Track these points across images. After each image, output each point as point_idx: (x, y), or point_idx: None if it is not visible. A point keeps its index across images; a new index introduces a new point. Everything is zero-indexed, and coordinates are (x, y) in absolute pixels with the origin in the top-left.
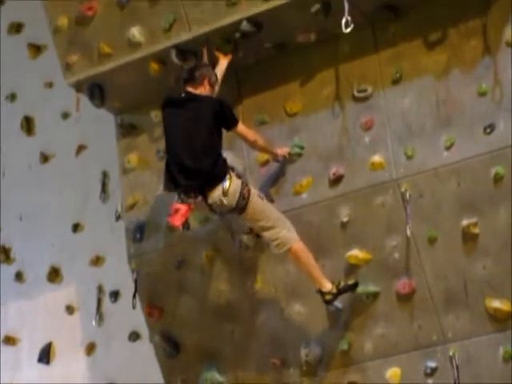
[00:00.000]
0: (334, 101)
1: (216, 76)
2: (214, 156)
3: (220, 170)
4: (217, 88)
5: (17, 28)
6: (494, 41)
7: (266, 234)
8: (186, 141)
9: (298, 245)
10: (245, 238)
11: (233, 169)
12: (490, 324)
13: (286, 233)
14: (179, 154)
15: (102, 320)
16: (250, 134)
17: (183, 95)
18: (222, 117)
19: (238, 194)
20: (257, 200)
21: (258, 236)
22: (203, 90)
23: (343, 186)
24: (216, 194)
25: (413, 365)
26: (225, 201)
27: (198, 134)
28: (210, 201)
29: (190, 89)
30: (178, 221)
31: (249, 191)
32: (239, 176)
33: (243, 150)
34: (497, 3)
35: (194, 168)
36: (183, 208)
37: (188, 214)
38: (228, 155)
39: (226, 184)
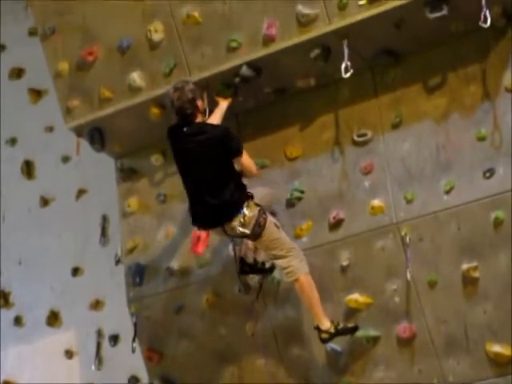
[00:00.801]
0: (333, 145)
1: (198, 89)
2: (232, 186)
3: (239, 200)
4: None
5: (18, 73)
6: (494, 86)
7: (278, 262)
8: (201, 177)
9: (305, 277)
10: (247, 278)
11: (252, 196)
12: (490, 368)
13: (297, 263)
14: (197, 192)
15: (101, 364)
16: (252, 168)
17: (185, 129)
18: (227, 145)
19: (254, 222)
20: (272, 228)
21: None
22: (201, 110)
23: (343, 230)
24: (234, 223)
25: None
26: (240, 229)
27: (211, 167)
28: (226, 227)
29: (189, 122)
30: (201, 248)
31: (265, 219)
32: (257, 204)
33: None
34: (496, 49)
35: (214, 205)
36: (203, 234)
37: (208, 240)
38: (257, 189)
39: (244, 213)
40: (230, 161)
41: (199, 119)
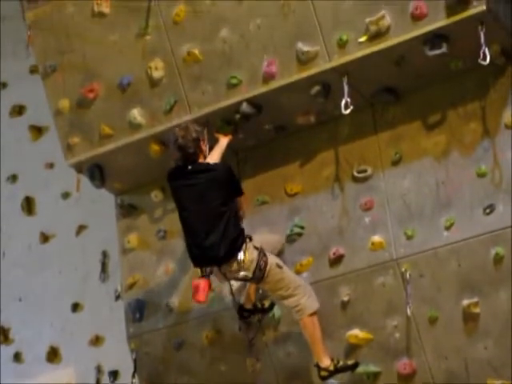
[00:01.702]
0: (333, 181)
1: (199, 129)
2: (231, 228)
3: (236, 243)
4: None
5: (19, 110)
6: (493, 123)
7: (286, 302)
8: (200, 216)
9: (310, 318)
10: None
11: (250, 238)
12: None
13: (304, 301)
14: (196, 231)
15: None
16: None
17: (190, 167)
18: (230, 185)
19: (254, 265)
20: (275, 270)
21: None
22: (204, 153)
23: (343, 266)
24: (231, 266)
25: None
26: (241, 273)
27: (211, 207)
28: (223, 270)
29: (191, 162)
30: (202, 297)
31: (266, 262)
32: (256, 247)
33: None
34: (495, 86)
35: (212, 246)
36: (202, 283)
37: (208, 287)
38: (259, 233)
39: (241, 256)
40: (231, 202)
41: (201, 160)
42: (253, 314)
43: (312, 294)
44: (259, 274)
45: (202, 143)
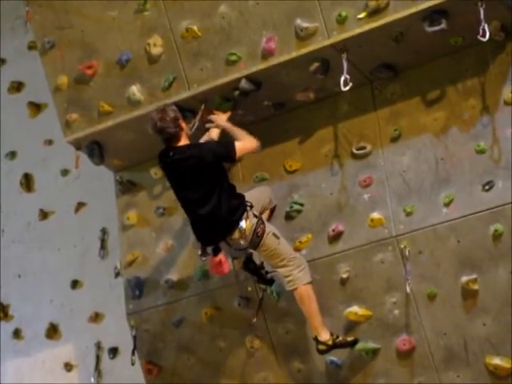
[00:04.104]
0: (333, 158)
1: (178, 111)
2: (228, 200)
3: (237, 213)
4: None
5: (17, 87)
6: (493, 100)
7: (280, 270)
8: (196, 198)
9: (304, 288)
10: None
11: (251, 206)
12: (490, 381)
13: (297, 272)
14: (195, 212)
15: (100, 377)
16: (250, 146)
17: (171, 154)
18: (220, 158)
19: (252, 231)
20: (271, 238)
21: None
22: (185, 135)
23: (342, 243)
24: (235, 236)
25: None
26: (242, 240)
27: (205, 187)
28: (228, 240)
29: (174, 144)
30: (227, 269)
31: (263, 229)
32: (255, 215)
33: None
34: (495, 63)
35: (214, 222)
36: (220, 257)
37: (226, 258)
38: (253, 191)
39: (243, 224)
40: (224, 173)
41: (184, 141)
42: (255, 272)
43: (306, 268)
44: (256, 240)
45: (181, 122)
